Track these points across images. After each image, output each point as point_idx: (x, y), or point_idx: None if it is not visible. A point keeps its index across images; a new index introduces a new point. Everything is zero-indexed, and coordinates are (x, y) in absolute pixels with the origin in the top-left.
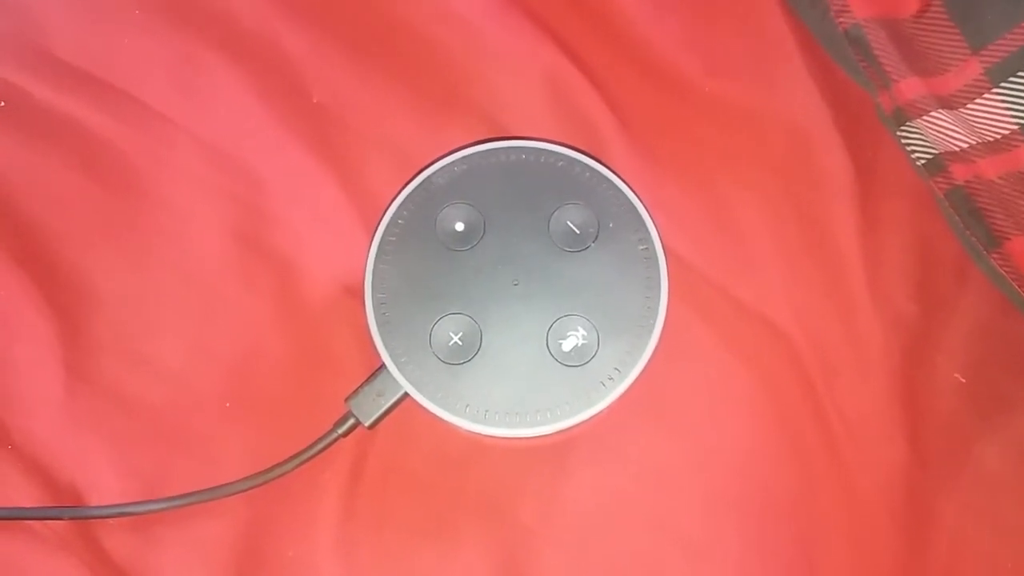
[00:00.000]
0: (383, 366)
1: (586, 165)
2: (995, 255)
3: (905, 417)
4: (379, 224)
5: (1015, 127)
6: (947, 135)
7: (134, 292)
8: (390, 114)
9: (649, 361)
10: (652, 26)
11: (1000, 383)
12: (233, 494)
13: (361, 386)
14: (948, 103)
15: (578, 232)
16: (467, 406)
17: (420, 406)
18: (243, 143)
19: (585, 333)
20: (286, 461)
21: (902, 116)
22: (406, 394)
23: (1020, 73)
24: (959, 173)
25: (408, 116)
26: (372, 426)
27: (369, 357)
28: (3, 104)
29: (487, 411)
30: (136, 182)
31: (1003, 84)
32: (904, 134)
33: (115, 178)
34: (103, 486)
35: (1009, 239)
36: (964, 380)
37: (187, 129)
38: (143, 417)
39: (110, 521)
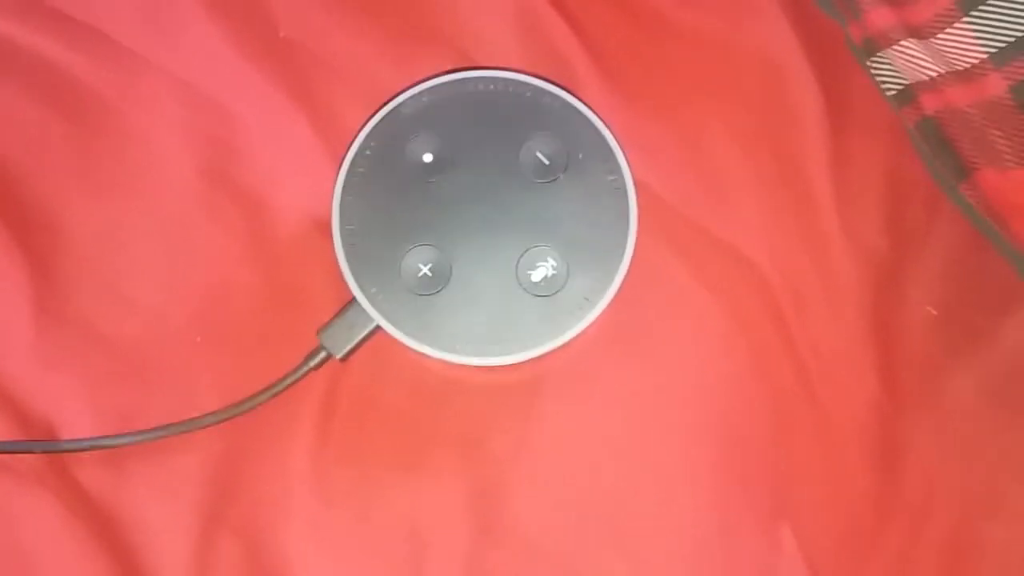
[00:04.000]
0: (354, 299)
1: (556, 95)
2: (965, 186)
3: (877, 350)
4: (345, 155)
5: (984, 55)
6: (917, 65)
7: (104, 229)
8: (359, 47)
9: (619, 292)
10: None
11: (972, 316)
12: (206, 427)
13: (332, 319)
14: (918, 32)
15: (547, 163)
16: (437, 336)
17: (392, 338)
18: (212, 78)
19: (555, 264)
20: (258, 394)
21: (872, 47)
22: (378, 326)
23: (989, 2)
24: (929, 103)
25: (377, 49)
26: (344, 358)
27: (341, 290)
28: None
29: (457, 341)
30: (105, 119)
31: (972, 13)
32: (874, 65)
33: (84, 115)
34: (76, 421)
35: (978, 169)
36: (936, 313)
37: (156, 65)
38: (115, 352)
39: (83, 455)
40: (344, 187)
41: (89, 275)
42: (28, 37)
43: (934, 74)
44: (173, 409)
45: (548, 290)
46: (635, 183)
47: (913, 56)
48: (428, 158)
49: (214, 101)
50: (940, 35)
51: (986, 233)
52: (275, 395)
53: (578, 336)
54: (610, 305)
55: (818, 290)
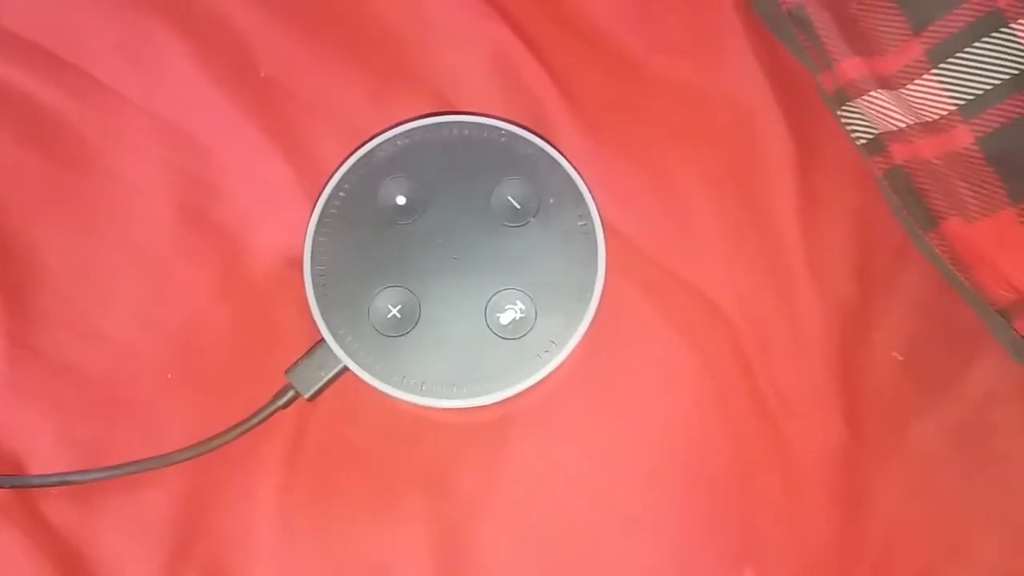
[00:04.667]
0: (322, 339)
1: (528, 141)
2: (931, 235)
3: (842, 395)
4: (319, 196)
5: (952, 108)
6: (887, 115)
7: (79, 263)
8: (337, 88)
9: (587, 334)
10: (599, 4)
11: (937, 361)
12: (174, 464)
13: (301, 359)
14: (888, 83)
15: (519, 207)
16: (404, 378)
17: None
18: (190, 116)
19: (523, 307)
20: (226, 431)
21: (843, 96)
22: (346, 367)
23: (958, 55)
24: (898, 153)
25: (355, 90)
26: (312, 398)
27: (311, 329)
28: None
29: (424, 383)
30: (83, 154)
31: (941, 65)
32: (845, 114)
33: (61, 150)
34: (44, 455)
35: (945, 219)
36: (901, 358)
37: (134, 102)
38: (85, 386)
39: (51, 490)
40: (317, 228)
41: (62, 309)
42: (6, 72)
43: (903, 125)
44: (142, 445)
45: (516, 333)
46: (605, 227)
47: (883, 106)
48: (401, 201)
49: (192, 139)
50: (909, 86)
51: (952, 281)
52: (243, 433)
53: (546, 377)
54: (578, 346)
55: (785, 335)
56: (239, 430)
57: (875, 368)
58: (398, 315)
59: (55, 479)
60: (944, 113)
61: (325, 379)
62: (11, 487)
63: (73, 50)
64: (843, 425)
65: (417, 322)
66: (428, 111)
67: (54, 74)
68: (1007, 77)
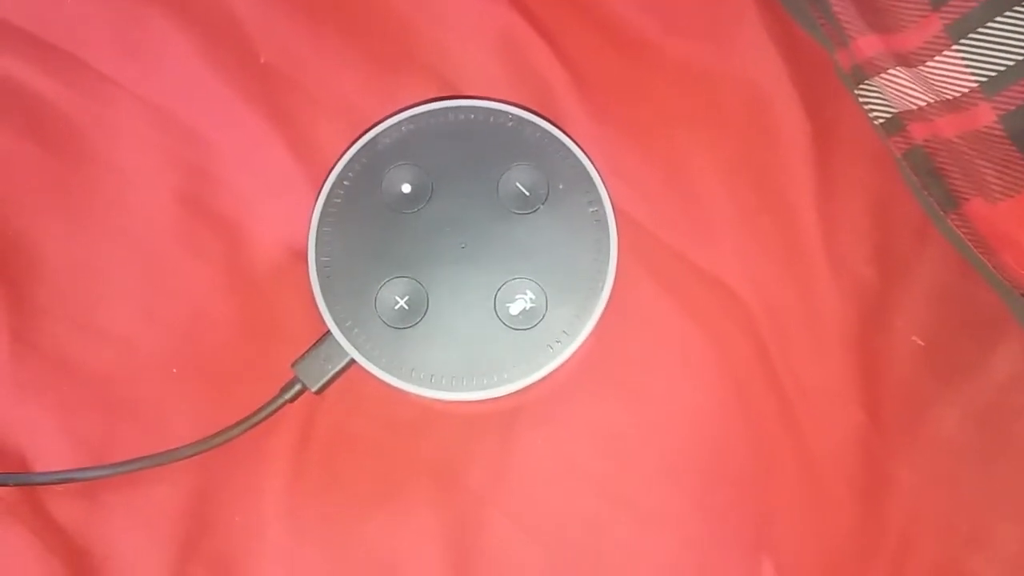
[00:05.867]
0: (329, 332)
1: (536, 125)
2: (953, 216)
3: (862, 381)
4: (323, 186)
5: (974, 85)
6: (906, 94)
7: (79, 257)
8: (340, 74)
9: (598, 324)
10: None
11: (959, 346)
12: (180, 460)
13: (307, 351)
14: (907, 61)
15: (527, 194)
16: (413, 370)
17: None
18: (189, 105)
19: (533, 296)
20: (233, 426)
21: (860, 74)
22: (352, 360)
23: (980, 30)
24: (917, 132)
25: (358, 76)
26: (320, 391)
27: (318, 319)
28: None
29: (433, 375)
30: (81, 145)
31: (962, 41)
32: (862, 92)
33: (59, 141)
34: (49, 452)
35: (967, 200)
36: (922, 343)
37: (132, 91)
38: (90, 383)
39: (57, 487)
40: (321, 218)
41: (64, 304)
42: (5, 64)
43: (923, 103)
44: (148, 441)
45: (527, 323)
46: (616, 213)
47: (902, 84)
48: (406, 189)
49: (191, 128)
50: (929, 63)
51: (974, 263)
52: (250, 428)
53: (557, 367)
54: (590, 336)
55: (802, 321)
56: (245, 425)
57: (895, 354)
58: (405, 306)
59: (61, 476)
60: (965, 91)
61: (332, 372)
62: (16, 485)
63: (69, 39)
64: (862, 412)
65: (425, 313)
66: (433, 96)
67: (51, 64)
68: None
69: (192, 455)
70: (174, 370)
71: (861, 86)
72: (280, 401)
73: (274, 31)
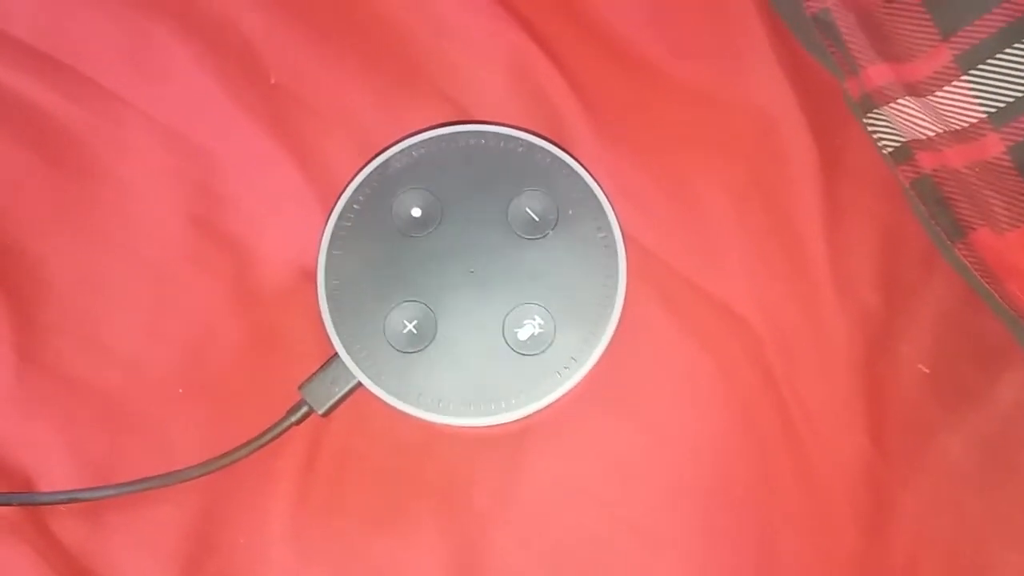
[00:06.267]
0: (336, 354)
1: (546, 151)
2: (960, 246)
3: (867, 408)
4: (333, 209)
5: (983, 115)
6: (914, 123)
7: (86, 275)
8: (350, 95)
9: (606, 350)
10: (618, 8)
11: (964, 374)
12: (185, 480)
13: (315, 374)
14: (916, 90)
15: (537, 219)
16: (420, 395)
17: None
18: (198, 124)
19: (542, 322)
20: (239, 448)
21: (869, 103)
22: (360, 383)
23: (989, 61)
24: (926, 162)
25: (369, 98)
26: (326, 414)
27: (325, 342)
28: None
29: (440, 400)
30: (89, 163)
31: (972, 72)
32: (871, 121)
33: (67, 159)
34: (54, 472)
35: (974, 229)
36: (928, 371)
37: (141, 109)
38: (95, 402)
39: (60, 507)
40: (331, 241)
41: (70, 323)
42: (13, 80)
43: (932, 133)
44: (153, 461)
45: (535, 349)
46: (625, 238)
47: (911, 114)
48: (416, 213)
49: (201, 148)
50: (938, 93)
51: (980, 292)
52: (256, 449)
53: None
54: (598, 360)
55: (809, 346)
56: (251, 447)
57: (900, 381)
58: (414, 330)
59: (65, 496)
60: (974, 121)
61: (339, 395)
62: (20, 504)
63: (78, 57)
64: (867, 439)
65: (433, 338)
66: (444, 120)
67: (60, 82)
68: None
69: (197, 476)
70: (180, 390)
71: (870, 114)
72: (286, 423)
73: (285, 52)
